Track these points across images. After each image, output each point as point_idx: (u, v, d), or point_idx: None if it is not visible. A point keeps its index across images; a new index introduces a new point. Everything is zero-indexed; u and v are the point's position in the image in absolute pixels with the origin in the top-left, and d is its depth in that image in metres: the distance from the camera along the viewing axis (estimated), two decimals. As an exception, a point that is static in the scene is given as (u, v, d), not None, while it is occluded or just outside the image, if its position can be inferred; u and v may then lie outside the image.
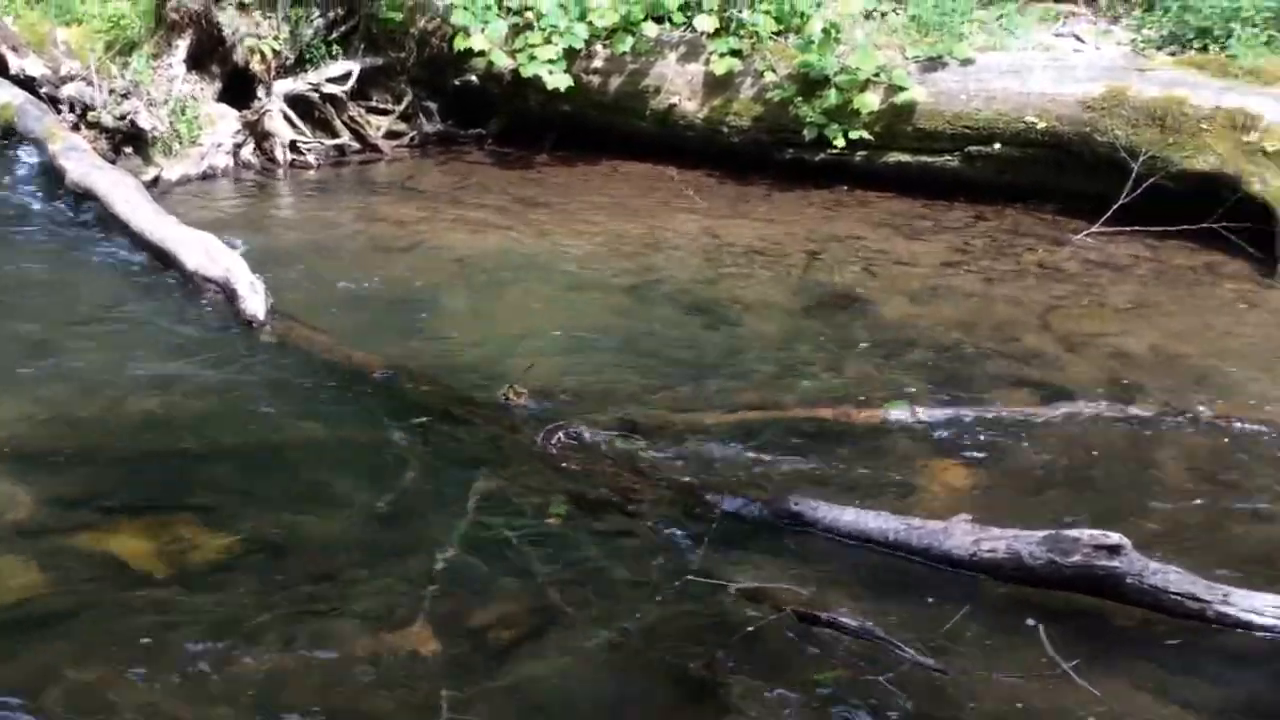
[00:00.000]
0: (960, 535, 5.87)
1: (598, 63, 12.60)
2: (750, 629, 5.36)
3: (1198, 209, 10.68)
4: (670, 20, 12.41)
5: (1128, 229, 10.87)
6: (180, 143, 11.95)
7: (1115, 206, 10.85)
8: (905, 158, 12.05)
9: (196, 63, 12.35)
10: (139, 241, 9.62)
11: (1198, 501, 6.72)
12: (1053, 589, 5.66)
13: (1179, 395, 7.94)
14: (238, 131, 12.43)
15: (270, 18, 12.57)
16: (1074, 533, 5.62)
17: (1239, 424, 7.56)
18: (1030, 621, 5.49)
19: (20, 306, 8.66)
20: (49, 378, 7.62)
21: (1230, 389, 8.15)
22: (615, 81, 12.61)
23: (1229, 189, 10.62)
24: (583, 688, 5.13)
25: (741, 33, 12.22)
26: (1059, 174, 11.70)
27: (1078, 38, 13.34)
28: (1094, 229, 10.96)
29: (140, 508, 6.27)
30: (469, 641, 5.33)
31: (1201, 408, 7.71)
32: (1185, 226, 10.71)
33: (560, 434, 6.81)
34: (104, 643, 5.22)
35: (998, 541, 5.78)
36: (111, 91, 11.95)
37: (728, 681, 5.09)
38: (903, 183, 12.07)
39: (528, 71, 12.13)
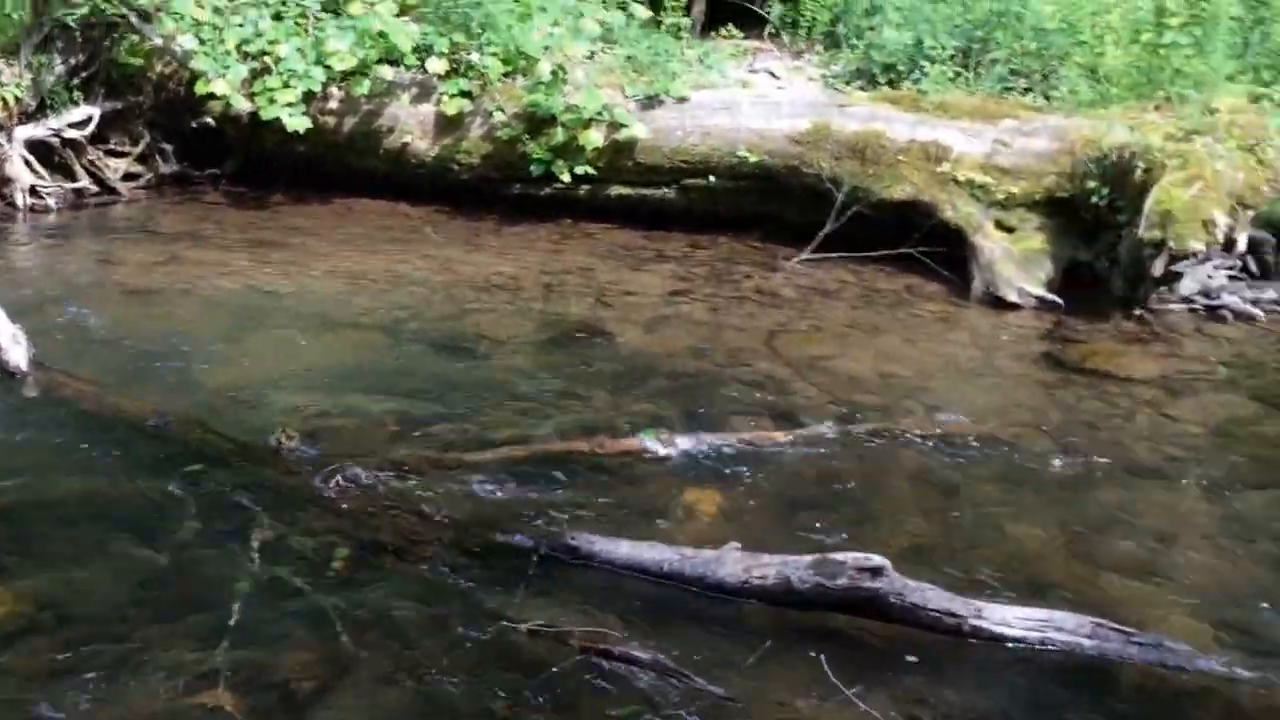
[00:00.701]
0: (732, 563, 5.78)
1: (333, 104, 12.33)
2: (554, 669, 5.19)
3: (896, 235, 10.81)
4: (403, 63, 12.19)
5: (833, 255, 10.93)
6: (-85, 191, 11.31)
7: (822, 234, 10.93)
8: (627, 191, 11.99)
9: (-65, 110, 11.75)
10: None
11: (936, 515, 6.79)
12: (822, 610, 5.60)
13: (900, 413, 8.02)
14: (-24, 178, 11.83)
15: (13, 64, 12.04)
16: (839, 556, 5.58)
17: (957, 437, 7.64)
18: (810, 650, 5.42)
19: None
20: None
21: (942, 404, 8.24)
22: (350, 122, 12.35)
23: (925, 216, 10.81)
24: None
25: (471, 74, 12.07)
26: (768, 204, 11.74)
27: (772, 74, 13.46)
28: (803, 255, 11.01)
29: (-91, 571, 5.77)
30: (270, 695, 5.05)
31: (921, 424, 7.80)
32: (886, 252, 10.81)
33: (337, 476, 6.53)
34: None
35: (768, 568, 5.70)
36: None
37: (534, 721, 4.93)
38: (624, 215, 12.01)
39: (268, 114, 11.79)
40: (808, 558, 5.64)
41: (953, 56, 12.48)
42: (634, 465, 7.16)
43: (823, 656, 5.32)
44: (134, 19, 12.38)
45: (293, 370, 8.35)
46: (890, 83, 12.61)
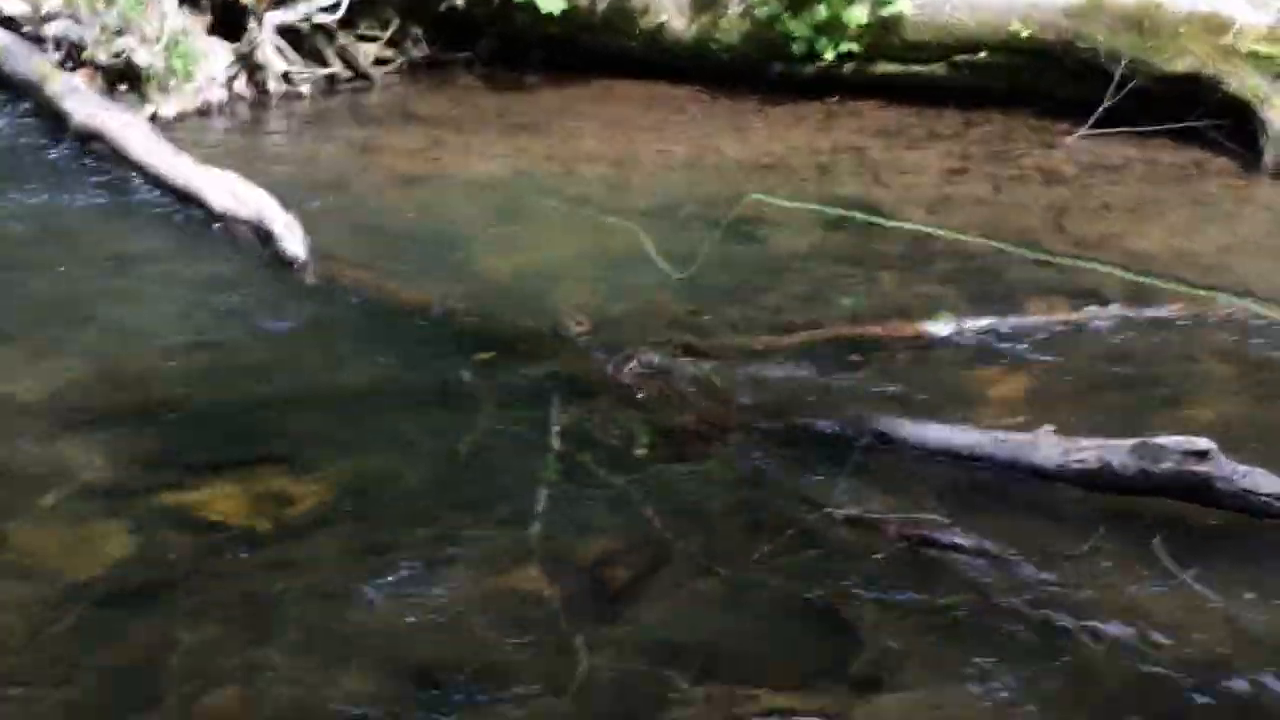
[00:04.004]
0: (1048, 447, 5.69)
1: (586, -17, 12.27)
2: (875, 556, 5.17)
3: (1177, 109, 10.54)
4: (658, -59, 12.12)
5: (1114, 130, 10.64)
6: (175, 79, 11.41)
7: (1101, 109, 10.64)
8: (894, 68, 11.75)
9: (187, -4, 11.89)
10: (158, 183, 9.05)
11: (1252, 397, 6.65)
12: (1143, 496, 5.51)
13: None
14: (231, 65, 11.91)
15: (262, -52, 12.15)
16: (1163, 440, 5.44)
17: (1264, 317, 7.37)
18: (1138, 536, 5.34)
19: (43, 260, 8.07)
20: (89, 333, 7.13)
21: (1246, 283, 7.94)
22: (603, 2, 12.26)
23: (1207, 89, 10.49)
24: (709, 624, 4.91)
25: (728, -50, 11.97)
26: (1042, 79, 11.47)
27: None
28: (1083, 131, 10.73)
29: (222, 463, 5.84)
30: (582, 579, 5.11)
31: (1228, 303, 7.52)
32: (1169, 126, 10.51)
33: (633, 362, 6.54)
34: (213, 607, 4.88)
35: (1087, 452, 5.60)
36: (103, 29, 11.46)
37: (857, 613, 4.88)
38: (891, 92, 11.75)
39: (520, -4, 11.80)
40: (1129, 441, 5.52)
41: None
42: (929, 349, 7.09)
43: (1155, 542, 5.24)
44: (381, -102, 12.46)
45: (569, 256, 8.39)
46: (1165, -49, 12.25)
